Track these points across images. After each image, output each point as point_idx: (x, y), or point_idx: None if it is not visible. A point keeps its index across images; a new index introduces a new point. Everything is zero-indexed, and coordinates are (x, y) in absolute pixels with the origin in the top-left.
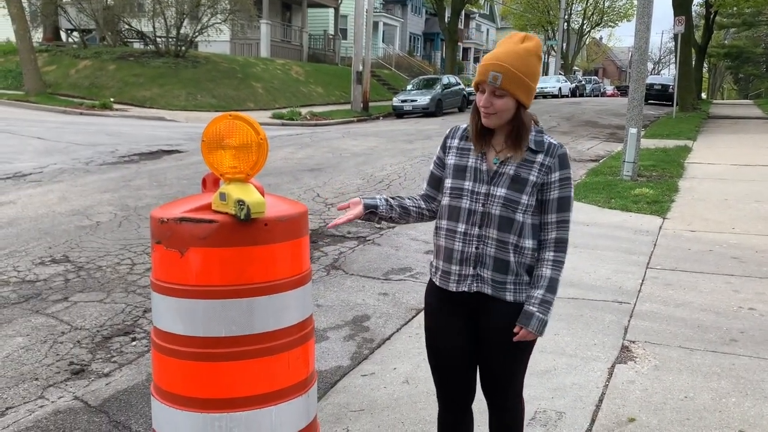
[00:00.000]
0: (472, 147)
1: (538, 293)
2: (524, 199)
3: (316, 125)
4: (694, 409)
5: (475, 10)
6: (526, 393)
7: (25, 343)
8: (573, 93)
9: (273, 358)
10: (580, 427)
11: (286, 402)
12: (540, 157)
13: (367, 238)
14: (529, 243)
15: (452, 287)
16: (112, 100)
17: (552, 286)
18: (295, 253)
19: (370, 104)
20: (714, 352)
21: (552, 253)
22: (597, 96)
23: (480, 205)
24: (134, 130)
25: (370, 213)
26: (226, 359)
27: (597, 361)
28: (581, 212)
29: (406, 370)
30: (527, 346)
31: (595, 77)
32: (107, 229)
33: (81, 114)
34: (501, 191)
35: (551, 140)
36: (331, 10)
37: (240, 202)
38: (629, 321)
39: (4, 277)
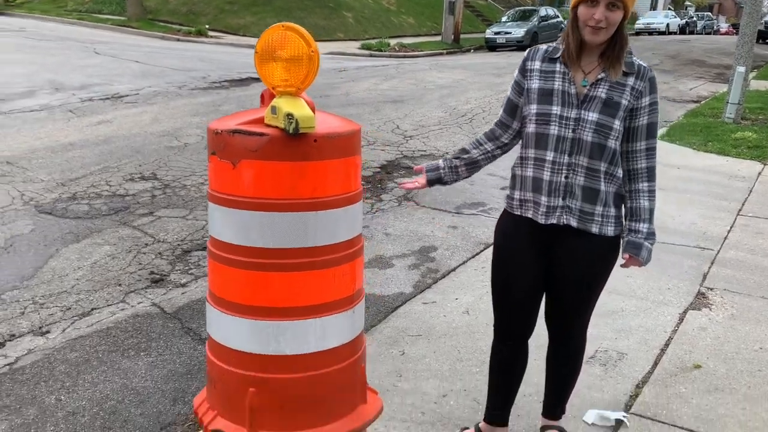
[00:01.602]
0: (557, 69)
1: (643, 226)
2: (616, 124)
3: (404, 57)
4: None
5: None
6: (590, 332)
7: (111, 252)
8: (682, 30)
9: (320, 272)
10: (641, 369)
11: (332, 315)
12: (631, 80)
13: None
14: (619, 172)
15: (541, 219)
16: (207, 27)
17: (652, 217)
18: (345, 172)
19: (462, 36)
20: None
21: (647, 184)
22: (709, 34)
23: (570, 131)
24: (227, 57)
25: (435, 182)
26: (275, 270)
27: (668, 305)
28: (674, 155)
29: (467, 301)
30: (602, 280)
31: (709, 13)
32: (194, 150)
33: (177, 40)
34: (593, 116)
35: (640, 62)
36: None
37: (289, 116)
38: (710, 268)
39: (97, 190)
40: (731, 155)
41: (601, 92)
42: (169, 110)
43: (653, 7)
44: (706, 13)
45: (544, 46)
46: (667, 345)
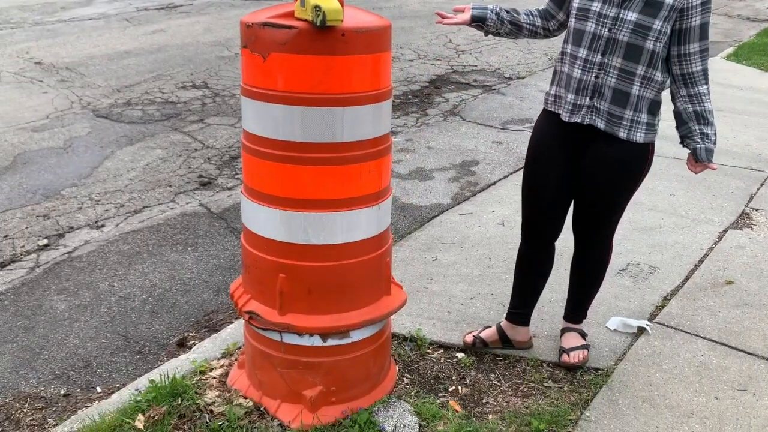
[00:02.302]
0: None
1: (711, 129)
2: (657, 24)
3: None
4: None
5: None
6: (624, 246)
7: (163, 155)
8: None
9: (346, 168)
10: (671, 282)
11: (358, 209)
12: None
13: (493, 87)
14: (659, 76)
15: (565, 117)
16: None
17: (713, 119)
18: (374, 69)
19: None
20: None
21: (705, 86)
22: None
23: (606, 29)
24: None
25: (478, 24)
26: (303, 163)
27: (709, 224)
28: (738, 75)
29: (504, 213)
30: (628, 188)
31: None
32: None
33: None
34: (632, 15)
35: None
36: None
37: (317, 8)
38: (758, 189)
39: (150, 96)
40: None
41: None
42: (222, 20)
43: None
44: None
45: None
46: (701, 261)
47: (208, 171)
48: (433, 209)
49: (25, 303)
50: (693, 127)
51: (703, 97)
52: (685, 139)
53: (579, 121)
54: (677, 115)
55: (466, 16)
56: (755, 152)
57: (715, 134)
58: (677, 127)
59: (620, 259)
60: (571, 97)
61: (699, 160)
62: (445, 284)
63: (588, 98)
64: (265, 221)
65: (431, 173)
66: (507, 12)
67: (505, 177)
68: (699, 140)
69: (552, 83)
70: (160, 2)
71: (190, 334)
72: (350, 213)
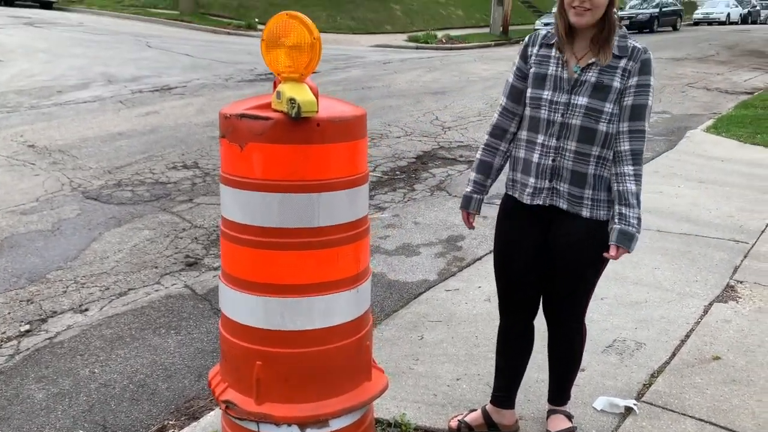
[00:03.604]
0: (552, 54)
1: (633, 212)
2: (608, 107)
3: (450, 49)
4: None
5: None
6: (610, 322)
7: (151, 236)
8: (744, 20)
9: (323, 251)
10: (657, 359)
11: (336, 293)
12: (623, 62)
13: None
14: (611, 154)
15: (527, 200)
16: (257, 20)
17: (639, 202)
18: (349, 155)
19: (511, 28)
20: None
21: (631, 167)
22: None
23: (559, 115)
24: None
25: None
26: (280, 248)
27: (694, 297)
28: (719, 147)
29: (490, 289)
30: (596, 265)
31: None
32: None
33: (228, 34)
34: (583, 100)
35: (636, 44)
36: None
37: (292, 101)
38: (742, 261)
39: (141, 177)
40: None
41: (591, 77)
42: (215, 102)
43: None
44: None
45: (543, 32)
46: (687, 336)
47: (194, 251)
48: (419, 286)
49: (2, 393)
50: (615, 206)
51: (627, 178)
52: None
53: (541, 203)
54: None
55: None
56: (738, 223)
57: (636, 218)
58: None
59: (607, 335)
60: (531, 181)
61: (610, 241)
62: (431, 365)
63: (548, 181)
64: (242, 307)
65: (418, 249)
66: (479, 172)
67: (491, 252)
68: (616, 221)
69: (510, 168)
70: (154, 84)
71: (170, 422)
72: (328, 297)
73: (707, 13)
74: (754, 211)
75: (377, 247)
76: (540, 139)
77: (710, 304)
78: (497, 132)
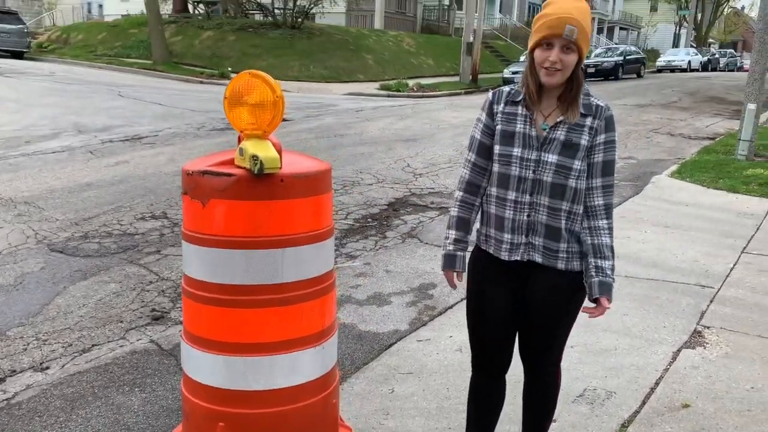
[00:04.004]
0: (519, 111)
1: (608, 264)
2: (576, 164)
3: (421, 97)
4: (758, 401)
5: None
6: (580, 370)
7: (116, 289)
8: (704, 67)
9: (288, 308)
10: (628, 408)
11: (300, 351)
12: (589, 120)
13: (449, 209)
14: (581, 209)
15: (504, 256)
16: (230, 69)
17: (611, 252)
18: (314, 210)
19: (482, 76)
20: None
21: (605, 221)
22: (732, 71)
23: (530, 172)
24: None
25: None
26: (243, 306)
27: (662, 344)
28: (683, 192)
29: (461, 338)
30: (572, 316)
31: (732, 50)
32: None
33: (201, 83)
34: (552, 158)
35: (598, 102)
36: None
37: (254, 158)
38: (708, 306)
39: (108, 229)
40: (741, 192)
41: (560, 134)
42: (186, 151)
43: (675, 44)
44: (728, 51)
45: (507, 89)
46: (657, 384)
47: (161, 304)
48: (390, 336)
49: None
50: (589, 260)
51: (602, 231)
52: (583, 273)
53: (519, 258)
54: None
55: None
56: (703, 268)
57: (612, 270)
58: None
59: (577, 385)
60: (507, 237)
61: (592, 295)
62: (401, 419)
63: (524, 236)
64: (203, 367)
65: (389, 298)
66: (458, 229)
67: (462, 300)
68: (593, 274)
69: (482, 223)
70: (125, 134)
71: None
72: (292, 355)
73: (669, 61)
74: (718, 256)
75: (348, 296)
76: (512, 195)
77: (678, 351)
78: (471, 188)
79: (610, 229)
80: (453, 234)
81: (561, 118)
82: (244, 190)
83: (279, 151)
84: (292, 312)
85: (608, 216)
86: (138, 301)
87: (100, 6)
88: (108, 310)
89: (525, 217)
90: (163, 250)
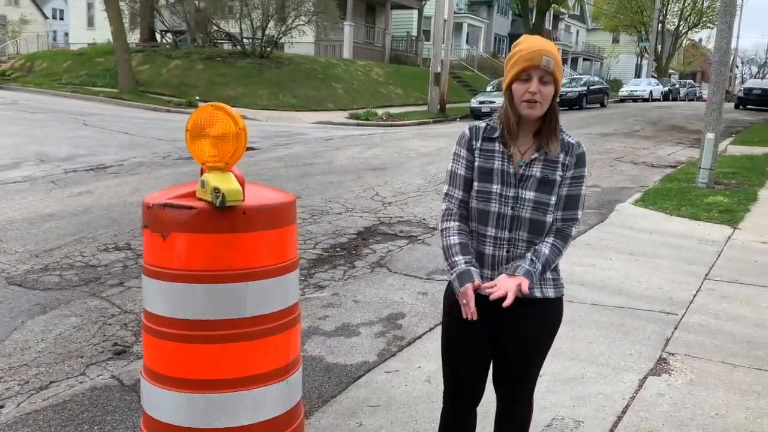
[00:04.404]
0: (496, 148)
1: (531, 261)
2: (553, 200)
3: (390, 126)
4: (723, 428)
5: (563, 10)
6: (548, 399)
7: (77, 323)
8: (665, 97)
9: (252, 343)
10: None
11: (265, 387)
12: (561, 157)
13: (418, 237)
14: None
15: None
16: (197, 98)
17: (545, 262)
18: (279, 242)
19: (449, 106)
20: (759, 370)
21: (551, 238)
22: (692, 100)
23: (509, 208)
24: None
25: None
26: (205, 342)
27: (629, 371)
28: (647, 219)
29: (430, 369)
30: (547, 343)
31: (691, 81)
32: None
33: (168, 111)
34: (530, 194)
35: (570, 139)
36: (415, 12)
37: (216, 190)
38: (673, 332)
39: (70, 261)
40: (702, 219)
41: (536, 171)
42: (152, 180)
43: (637, 75)
44: (688, 81)
45: (482, 125)
46: (624, 412)
47: (123, 338)
48: (358, 368)
49: None
50: (530, 260)
51: (552, 247)
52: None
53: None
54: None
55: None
56: (667, 295)
57: (535, 268)
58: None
59: (545, 414)
60: (487, 272)
61: (515, 272)
62: None
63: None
64: (165, 405)
65: (357, 329)
66: (465, 254)
67: (431, 329)
68: (526, 263)
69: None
70: (89, 163)
71: None
72: (255, 391)
73: (632, 91)
74: (682, 283)
75: (316, 328)
76: (491, 231)
77: (645, 378)
78: (462, 226)
79: (554, 246)
80: (461, 258)
81: (536, 155)
82: (205, 223)
83: (242, 183)
84: (256, 347)
85: (558, 237)
86: (99, 335)
87: (66, 34)
88: (68, 345)
89: (504, 253)
90: (127, 282)
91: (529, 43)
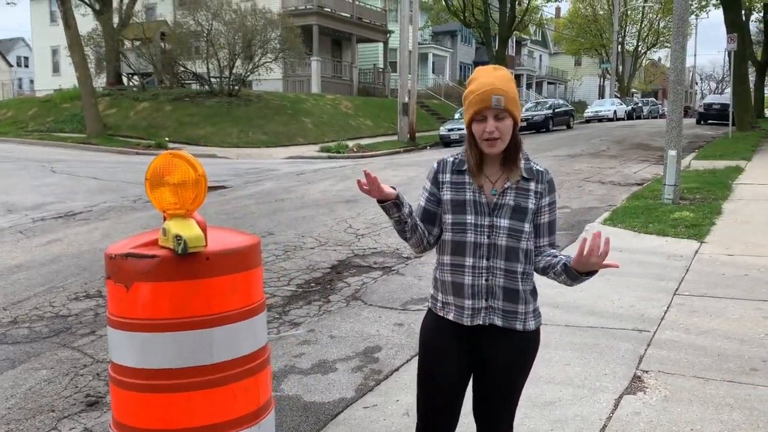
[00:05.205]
0: (467, 180)
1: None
2: (526, 227)
3: (361, 157)
4: None
5: (525, 37)
6: (526, 425)
7: (48, 376)
8: (629, 116)
9: (219, 389)
10: None
11: None
12: (533, 185)
13: (392, 268)
14: (530, 268)
15: (466, 321)
16: (167, 139)
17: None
18: (243, 285)
19: (419, 134)
20: (730, 382)
21: (558, 251)
22: (655, 118)
23: (485, 237)
24: None
25: (394, 204)
26: (171, 390)
27: (605, 392)
28: (616, 238)
29: (408, 401)
30: (526, 373)
31: (653, 99)
32: None
33: (137, 154)
34: (504, 222)
35: (538, 167)
36: (381, 45)
37: (178, 237)
38: (646, 350)
39: (39, 312)
40: (670, 235)
41: (509, 200)
42: (122, 225)
43: (601, 95)
44: (650, 99)
45: (451, 158)
46: None
47: (96, 388)
48: (336, 405)
49: None
50: (551, 260)
51: (555, 253)
52: (553, 267)
53: (481, 322)
54: (543, 268)
55: (390, 193)
56: (639, 312)
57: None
58: (545, 269)
59: None
60: (468, 303)
61: (568, 263)
62: None
63: (484, 300)
64: None
65: (334, 365)
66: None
67: (408, 361)
68: (555, 260)
69: (436, 289)
70: (58, 211)
71: None
72: None
73: (597, 111)
74: (653, 299)
75: (292, 366)
76: (469, 261)
77: (620, 397)
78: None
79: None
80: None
81: (508, 183)
82: (168, 271)
83: (204, 229)
84: (226, 392)
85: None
86: (71, 387)
87: (31, 81)
88: (39, 399)
89: (484, 282)
90: (98, 331)
91: (480, 81)
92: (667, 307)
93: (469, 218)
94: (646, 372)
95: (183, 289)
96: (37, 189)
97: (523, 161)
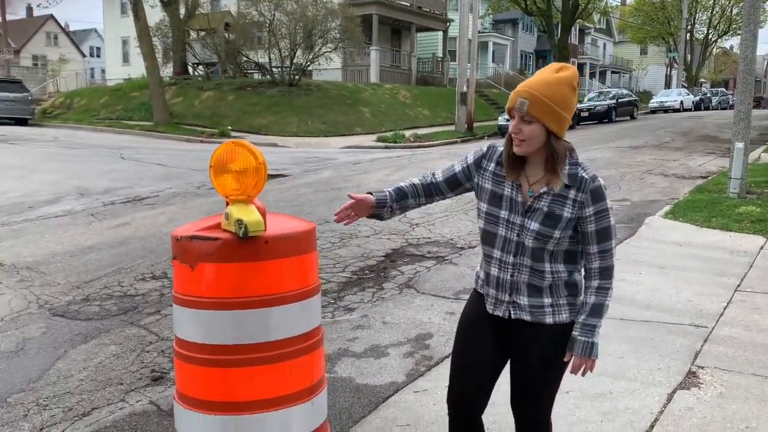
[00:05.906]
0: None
1: (581, 318)
2: (557, 234)
3: (418, 147)
4: None
5: (589, 25)
6: (576, 416)
7: (116, 351)
8: (697, 106)
9: (277, 365)
10: None
11: (291, 407)
12: (572, 193)
13: (446, 258)
14: (562, 267)
15: (489, 309)
16: (229, 128)
17: (596, 311)
18: (299, 269)
19: (477, 124)
20: None
21: (597, 281)
22: (725, 109)
23: (515, 234)
24: None
25: (378, 207)
26: (233, 365)
27: (658, 386)
28: (677, 232)
29: None
30: (561, 367)
31: (723, 89)
32: None
33: (201, 141)
34: (534, 225)
35: (584, 174)
36: (440, 33)
37: (239, 222)
38: (702, 346)
39: (109, 291)
40: (734, 230)
41: (544, 205)
42: (186, 210)
43: (667, 85)
44: (720, 89)
45: (500, 148)
46: (652, 427)
47: (161, 365)
48: (387, 388)
49: None
50: (578, 317)
51: (591, 291)
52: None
53: (501, 315)
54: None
55: (369, 201)
56: (697, 308)
57: (587, 326)
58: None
59: (573, 430)
60: (492, 291)
61: (570, 349)
62: None
63: (507, 294)
64: (196, 427)
65: (386, 350)
66: (398, 200)
67: None
68: (577, 330)
69: (481, 266)
70: (126, 196)
71: None
72: (282, 412)
73: (662, 102)
74: (712, 295)
75: (345, 350)
76: (496, 254)
77: (673, 392)
78: (426, 188)
79: (600, 288)
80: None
81: (545, 189)
82: (230, 253)
83: (263, 214)
84: (282, 369)
85: (602, 277)
86: (138, 363)
87: (103, 71)
88: (108, 373)
89: (509, 277)
90: (163, 310)
91: (525, 80)
92: (727, 303)
93: (503, 213)
94: (702, 368)
95: (243, 270)
96: (108, 174)
97: (568, 167)
